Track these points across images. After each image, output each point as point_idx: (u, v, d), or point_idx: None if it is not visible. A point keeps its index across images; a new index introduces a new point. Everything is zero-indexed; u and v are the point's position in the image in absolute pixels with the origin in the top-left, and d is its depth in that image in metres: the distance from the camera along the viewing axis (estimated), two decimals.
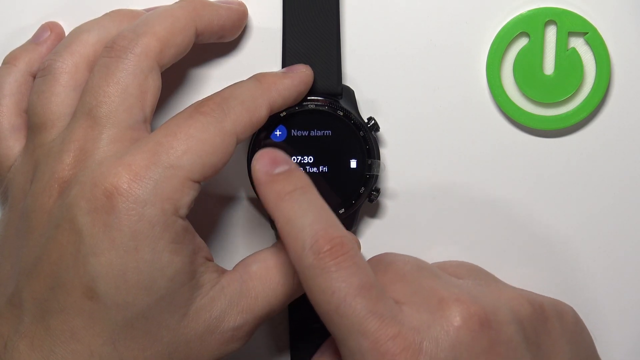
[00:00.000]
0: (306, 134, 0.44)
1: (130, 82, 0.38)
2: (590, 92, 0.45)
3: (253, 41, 0.46)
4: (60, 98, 0.40)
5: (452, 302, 0.36)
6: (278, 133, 0.44)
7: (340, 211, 0.44)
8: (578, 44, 0.45)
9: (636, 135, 0.46)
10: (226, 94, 0.40)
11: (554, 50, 0.45)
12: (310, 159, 0.44)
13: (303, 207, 0.37)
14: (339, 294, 0.35)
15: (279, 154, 0.38)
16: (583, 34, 0.45)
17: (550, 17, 0.45)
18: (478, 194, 0.46)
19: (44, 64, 0.42)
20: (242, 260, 0.41)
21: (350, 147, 0.44)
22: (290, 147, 0.44)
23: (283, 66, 0.44)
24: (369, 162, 0.44)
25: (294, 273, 0.40)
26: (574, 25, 0.45)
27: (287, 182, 0.37)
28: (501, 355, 0.36)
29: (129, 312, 0.36)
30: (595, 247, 0.46)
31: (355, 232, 0.47)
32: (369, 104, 0.46)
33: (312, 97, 0.44)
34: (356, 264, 0.36)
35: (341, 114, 0.43)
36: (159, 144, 0.37)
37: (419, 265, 0.40)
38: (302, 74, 0.42)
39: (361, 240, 0.47)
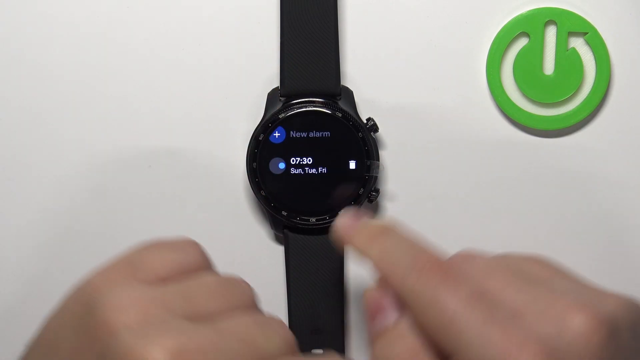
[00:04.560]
0: (305, 135, 0.44)
1: None
2: (590, 92, 0.45)
3: (252, 42, 0.46)
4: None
5: (577, 310, 0.35)
6: (277, 134, 0.44)
7: (340, 212, 0.44)
8: (578, 44, 0.45)
9: (636, 135, 0.46)
10: None
11: (554, 50, 0.45)
12: (309, 160, 0.44)
13: (396, 240, 0.37)
14: (450, 304, 0.34)
15: (357, 212, 0.40)
16: (583, 34, 0.45)
17: (550, 17, 0.45)
18: (478, 194, 0.46)
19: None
20: None
21: (349, 148, 0.44)
22: (289, 148, 0.44)
23: (281, 68, 0.44)
24: (368, 163, 0.44)
25: None
26: (574, 25, 0.45)
27: (375, 226, 0.38)
28: None
29: None
30: (595, 247, 0.46)
31: None
32: (368, 104, 0.46)
33: (311, 99, 0.44)
34: (462, 276, 0.35)
35: (340, 115, 0.43)
36: None
37: (519, 269, 0.38)
38: None
39: None
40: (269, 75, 0.46)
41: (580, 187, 0.46)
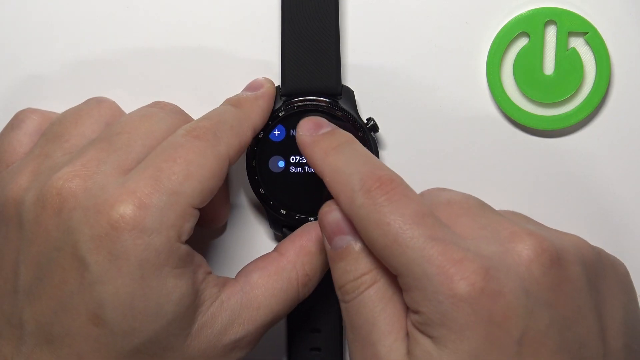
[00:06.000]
0: None
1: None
2: (590, 92, 0.45)
3: (252, 41, 0.46)
4: (90, 126, 0.42)
5: (525, 235, 0.36)
6: (277, 133, 0.44)
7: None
8: (578, 44, 0.45)
9: (636, 135, 0.46)
10: (215, 119, 0.40)
11: (554, 50, 0.45)
12: None
13: (348, 156, 0.38)
14: (394, 224, 0.35)
15: (320, 119, 0.40)
16: (583, 34, 0.45)
17: (550, 17, 0.45)
18: (478, 194, 0.46)
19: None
20: (243, 268, 0.41)
21: None
22: (289, 146, 0.44)
23: (282, 67, 0.44)
24: None
25: (297, 277, 0.41)
26: (574, 25, 0.45)
27: (331, 139, 0.39)
28: (566, 294, 0.35)
29: (136, 339, 0.36)
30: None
31: None
32: (369, 104, 0.46)
33: (312, 97, 0.44)
34: (406, 196, 0.36)
35: (340, 114, 0.44)
36: (160, 169, 0.37)
37: (481, 202, 0.39)
38: (269, 91, 0.43)
39: None
40: (270, 75, 0.46)
41: (580, 187, 0.46)
